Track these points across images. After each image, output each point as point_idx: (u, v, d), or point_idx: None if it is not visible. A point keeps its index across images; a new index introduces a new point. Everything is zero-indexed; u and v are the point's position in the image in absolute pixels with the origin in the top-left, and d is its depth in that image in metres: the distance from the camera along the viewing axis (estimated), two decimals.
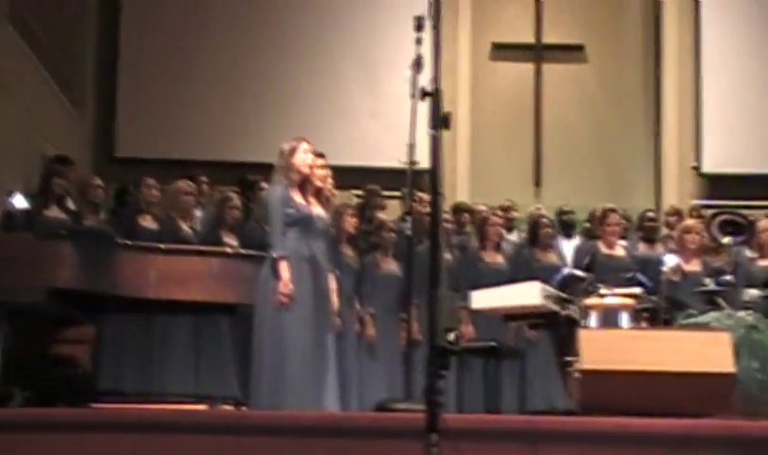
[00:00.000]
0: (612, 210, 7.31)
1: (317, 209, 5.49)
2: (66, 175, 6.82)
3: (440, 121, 3.03)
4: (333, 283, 5.66)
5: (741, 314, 5.29)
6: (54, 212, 6.53)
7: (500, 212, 7.82)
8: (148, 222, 6.76)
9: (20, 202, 6.75)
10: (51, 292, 5.41)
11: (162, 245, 5.98)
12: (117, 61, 10.47)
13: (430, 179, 3.01)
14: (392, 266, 7.06)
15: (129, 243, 5.83)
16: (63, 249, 5.49)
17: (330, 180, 5.87)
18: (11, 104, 7.97)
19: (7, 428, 4.07)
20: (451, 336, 2.87)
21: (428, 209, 6.73)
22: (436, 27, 3.22)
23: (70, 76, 9.71)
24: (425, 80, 3.46)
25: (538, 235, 7.28)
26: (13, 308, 5.44)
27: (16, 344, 5.53)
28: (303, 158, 5.41)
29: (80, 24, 10.09)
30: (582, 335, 4.27)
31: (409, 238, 4.97)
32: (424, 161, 4.05)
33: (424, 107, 3.38)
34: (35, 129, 8.52)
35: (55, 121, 9.20)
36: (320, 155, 5.61)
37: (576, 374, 4.21)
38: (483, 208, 8.02)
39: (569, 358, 4.62)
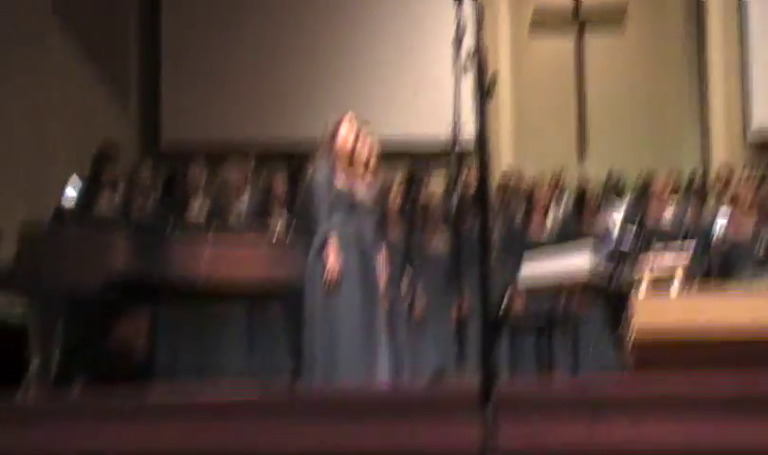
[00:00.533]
0: (656, 175, 7.24)
1: (361, 188, 5.50)
2: (115, 165, 6.89)
3: (485, 92, 3.01)
4: (380, 261, 5.69)
5: None
6: (105, 202, 6.60)
7: (546, 183, 7.77)
8: (198, 207, 6.82)
9: (71, 193, 6.84)
10: (106, 282, 5.47)
11: (211, 233, 6.03)
12: (159, 47, 10.52)
13: (478, 148, 2.98)
14: (439, 244, 7.05)
15: (179, 231, 5.89)
16: (115, 240, 5.56)
17: (376, 150, 5.84)
18: (59, 95, 8.09)
19: (69, 411, 4.15)
20: (504, 306, 2.85)
21: (473, 185, 6.79)
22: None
23: (114, 64, 9.80)
24: (468, 49, 3.42)
25: (584, 204, 7.23)
26: (71, 298, 5.52)
27: (74, 333, 5.62)
28: (347, 132, 5.41)
29: (123, 12, 10.17)
30: (634, 303, 4.24)
31: (458, 211, 4.95)
32: (469, 134, 4.05)
33: (469, 78, 3.35)
34: (83, 119, 8.63)
35: (101, 110, 9.30)
36: (365, 123, 5.57)
37: (630, 342, 4.18)
38: (528, 179, 7.95)
39: (622, 327, 4.59)
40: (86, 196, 6.70)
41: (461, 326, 5.64)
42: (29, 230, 5.68)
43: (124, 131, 9.85)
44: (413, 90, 10.24)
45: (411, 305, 6.87)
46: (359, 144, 5.47)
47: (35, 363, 5.79)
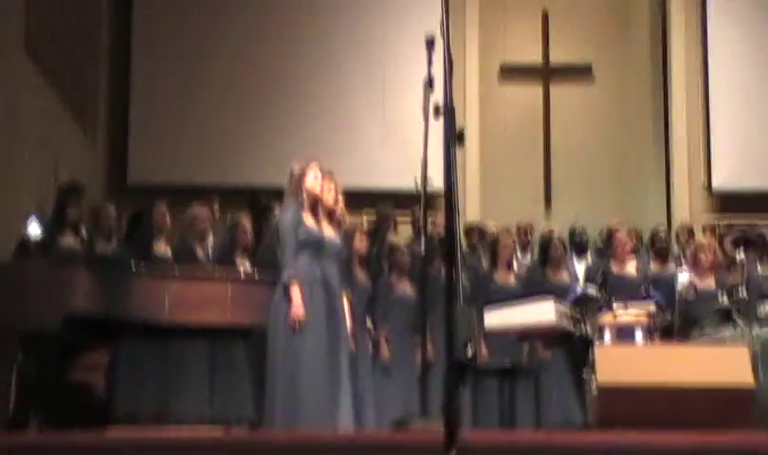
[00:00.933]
0: (618, 230, 7.32)
1: (328, 232, 5.50)
2: (80, 203, 6.84)
3: (454, 138, 3.03)
4: (346, 305, 5.66)
5: (757, 329, 5.26)
6: (68, 239, 6.53)
7: (513, 233, 7.82)
8: (162, 247, 6.77)
9: (34, 229, 6.77)
10: (66, 318, 5.40)
11: (176, 271, 5.99)
12: (128, 88, 10.54)
13: (446, 194, 3.00)
14: (405, 288, 7.05)
15: (143, 268, 5.84)
16: (77, 276, 5.51)
17: (341, 200, 5.87)
18: (26, 131, 8.03)
19: (23, 453, 4.06)
20: (469, 350, 2.85)
21: (441, 230, 6.82)
22: (447, 45, 3.21)
23: (83, 104, 9.77)
24: (436, 100, 3.47)
25: (549, 255, 7.27)
26: (29, 334, 5.44)
27: (31, 370, 5.53)
28: (313, 180, 5.42)
29: (92, 53, 10.16)
30: (598, 350, 4.25)
31: (423, 257, 4.96)
32: (437, 181, 4.08)
33: (436, 127, 3.39)
34: (49, 155, 8.57)
35: (69, 148, 9.25)
36: (329, 174, 5.61)
37: (593, 390, 4.19)
38: (494, 228, 8.01)
39: (584, 375, 4.60)
40: (50, 233, 6.64)
41: (425, 371, 5.62)
42: None
43: (91, 170, 9.80)
44: (381, 140, 10.32)
45: (376, 349, 6.85)
46: (325, 191, 5.49)
47: None
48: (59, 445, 4.09)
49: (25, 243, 6.67)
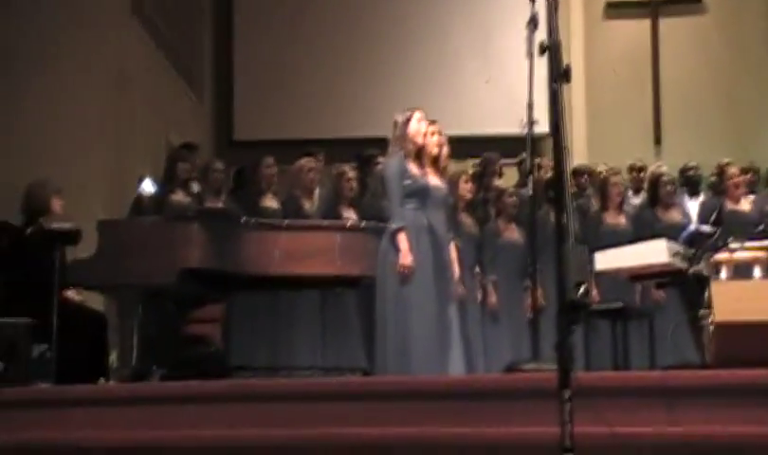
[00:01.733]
0: (730, 164, 7.09)
1: (433, 179, 5.49)
2: (190, 160, 7.00)
3: (560, 74, 2.97)
4: (453, 252, 5.66)
5: None
6: (179, 196, 6.71)
7: (624, 173, 7.65)
8: (270, 201, 6.88)
9: (148, 187, 6.96)
10: (182, 273, 5.54)
11: (285, 222, 6.07)
12: (232, 47, 10.69)
13: (554, 132, 2.94)
14: (513, 233, 7.02)
15: (253, 221, 5.93)
16: (191, 231, 5.63)
17: (446, 148, 5.86)
18: (136, 94, 8.24)
19: (146, 401, 4.23)
20: (581, 291, 2.81)
21: (548, 175, 6.73)
22: None
23: (189, 64, 9.97)
24: (540, 38, 3.40)
25: (658, 194, 7.09)
26: (147, 289, 5.61)
27: (151, 324, 5.71)
28: (418, 128, 5.41)
29: (196, 14, 10.34)
30: (714, 287, 4.14)
31: (531, 199, 4.90)
32: (543, 123, 4.02)
33: (541, 66, 3.32)
34: (158, 116, 8.79)
35: (177, 108, 9.46)
36: (433, 122, 5.59)
37: (710, 328, 4.09)
38: (603, 168, 7.86)
39: (701, 314, 4.49)
40: (162, 190, 6.83)
41: (536, 315, 5.59)
42: (108, 225, 5.79)
43: (199, 129, 10.00)
44: (484, 84, 10.19)
45: (485, 297, 6.84)
46: (429, 140, 5.47)
47: (114, 355, 5.91)
48: (179, 393, 4.25)
49: (139, 200, 6.87)
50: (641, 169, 8.04)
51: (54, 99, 7.31)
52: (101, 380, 5.41)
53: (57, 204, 5.72)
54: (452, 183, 6.59)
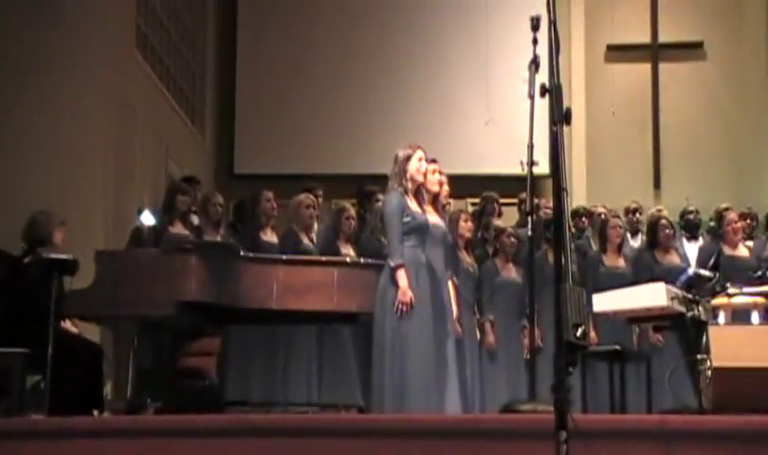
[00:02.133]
0: (729, 209, 7.11)
1: (433, 217, 5.51)
2: (190, 193, 7.02)
3: (561, 117, 3.00)
4: (452, 290, 5.66)
5: None
6: (178, 228, 6.71)
7: (621, 215, 7.69)
8: (269, 235, 6.89)
9: (148, 218, 6.97)
10: (179, 305, 5.53)
11: (284, 257, 6.07)
12: (234, 81, 10.76)
13: (553, 174, 2.96)
14: (511, 272, 7.02)
15: (252, 255, 5.94)
16: (189, 263, 5.61)
17: (446, 187, 5.88)
18: (138, 125, 8.29)
19: (140, 434, 4.20)
20: (579, 332, 2.81)
21: (548, 214, 6.74)
22: (554, 22, 3.18)
23: (191, 97, 10.05)
24: (541, 80, 3.43)
25: (657, 237, 7.11)
26: (143, 322, 5.59)
27: (147, 356, 5.69)
28: (418, 166, 5.43)
29: (199, 47, 10.42)
30: (713, 332, 4.14)
31: (530, 239, 4.92)
32: (543, 163, 4.04)
33: (542, 108, 3.35)
34: (160, 148, 8.83)
35: (178, 140, 9.51)
36: (434, 161, 5.62)
37: (708, 372, 4.09)
38: (602, 210, 7.89)
39: (698, 358, 4.49)
40: (161, 222, 6.83)
41: (533, 357, 5.58)
42: (106, 256, 5.79)
43: (199, 161, 10.04)
44: (485, 125, 10.26)
45: (483, 336, 6.83)
46: (429, 179, 5.50)
47: (109, 386, 5.89)
48: (174, 427, 4.22)
49: (138, 231, 6.88)
50: (636, 210, 8.09)
51: (56, 128, 7.36)
52: (95, 412, 5.37)
53: (59, 236, 5.72)
54: (452, 221, 6.61)
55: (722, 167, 10.34)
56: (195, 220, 6.97)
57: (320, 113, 10.55)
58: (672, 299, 5.35)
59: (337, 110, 10.57)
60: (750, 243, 7.26)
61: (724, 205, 7.47)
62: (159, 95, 9.01)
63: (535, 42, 4.47)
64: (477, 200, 8.42)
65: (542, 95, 3.16)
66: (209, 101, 10.68)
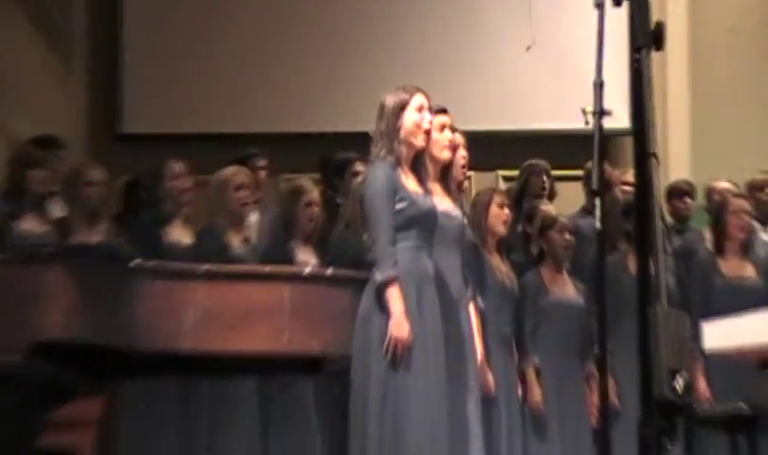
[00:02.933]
0: None
1: (443, 201, 5.57)
2: (48, 165, 7.00)
3: (649, 37, 3.03)
4: (474, 318, 5.72)
5: None
6: (30, 223, 6.72)
7: (746, 194, 7.76)
8: (179, 233, 6.93)
9: None
10: (33, 349, 5.56)
11: (204, 267, 6.11)
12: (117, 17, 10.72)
13: (636, 130, 3.00)
14: (567, 289, 7.08)
15: (152, 265, 5.97)
16: (49, 280, 5.62)
17: (462, 152, 5.93)
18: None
19: None
20: (680, 384, 2.84)
21: (627, 194, 6.79)
22: None
23: (54, 13, 10.04)
24: None
25: None
26: None
27: None
28: (417, 119, 5.46)
29: None
30: None
31: (599, 235, 4.96)
32: (619, 115, 4.08)
33: (615, 24, 3.38)
34: (3, 94, 8.84)
35: (35, 83, 9.51)
36: (443, 111, 5.66)
37: None
38: (722, 185, 7.95)
39: None
40: (2, 214, 6.83)
41: (605, 424, 5.64)
42: None
43: (68, 117, 10.05)
44: (524, 52, 10.28)
45: (525, 386, 6.89)
46: (435, 139, 5.56)
47: None
48: None
49: None
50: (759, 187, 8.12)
51: None
52: None
53: None
54: (476, 207, 6.67)
55: None
56: (58, 209, 6.99)
57: (257, 37, 10.54)
58: None
59: (285, 31, 10.58)
60: None
61: None
62: (9, 19, 9.02)
63: None
64: (514, 173, 8.48)
65: (617, 3, 3.19)
66: (80, 22, 10.68)
